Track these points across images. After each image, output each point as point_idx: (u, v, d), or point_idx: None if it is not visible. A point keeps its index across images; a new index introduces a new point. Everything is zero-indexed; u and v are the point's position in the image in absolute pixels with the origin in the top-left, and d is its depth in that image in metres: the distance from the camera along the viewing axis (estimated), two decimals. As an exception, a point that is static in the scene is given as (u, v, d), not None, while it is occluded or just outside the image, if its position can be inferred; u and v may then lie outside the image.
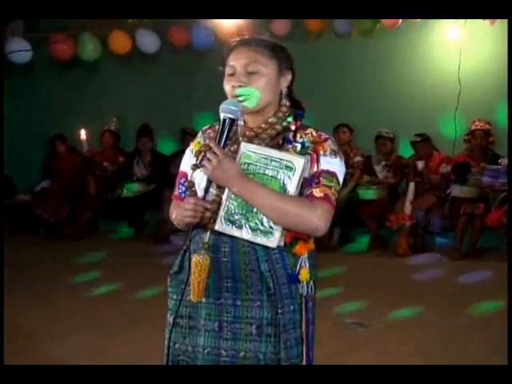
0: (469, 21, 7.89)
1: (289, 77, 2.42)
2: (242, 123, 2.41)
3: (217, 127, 2.40)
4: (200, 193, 2.35)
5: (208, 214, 2.32)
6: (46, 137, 9.75)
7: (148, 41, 8.72)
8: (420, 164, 8.09)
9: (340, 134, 8.61)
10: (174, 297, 2.45)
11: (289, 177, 2.27)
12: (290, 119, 2.40)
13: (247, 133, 2.38)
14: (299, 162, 2.27)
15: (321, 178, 2.31)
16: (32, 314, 5.59)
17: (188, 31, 8.63)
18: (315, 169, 2.32)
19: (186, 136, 8.54)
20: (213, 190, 2.33)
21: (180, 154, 2.67)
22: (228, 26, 8.10)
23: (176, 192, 2.52)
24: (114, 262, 7.53)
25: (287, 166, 2.27)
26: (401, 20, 7.87)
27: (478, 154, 7.90)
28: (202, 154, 2.36)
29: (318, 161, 2.33)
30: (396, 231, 7.86)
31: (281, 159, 2.28)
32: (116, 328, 5.25)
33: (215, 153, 2.28)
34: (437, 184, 8.05)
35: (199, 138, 2.51)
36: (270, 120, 2.38)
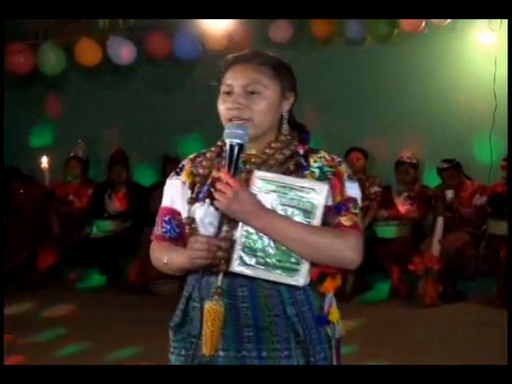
0: (505, 22, 7.88)
1: (291, 99, 2.52)
2: None
3: (208, 155, 2.50)
4: (204, 229, 2.41)
5: (220, 254, 2.36)
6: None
7: (121, 50, 8.76)
8: (449, 195, 8.09)
9: (353, 160, 8.60)
10: (183, 352, 2.49)
11: (312, 206, 2.36)
12: (295, 143, 2.49)
13: (252, 159, 2.45)
14: (323, 189, 2.37)
15: (349, 205, 2.42)
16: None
17: (169, 39, 8.69)
18: (339, 195, 2.42)
19: (169, 164, 8.55)
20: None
21: (161, 185, 2.71)
22: (217, 31, 8.13)
23: (158, 232, 2.57)
24: (83, 316, 7.48)
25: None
26: (423, 23, 7.92)
27: (519, 183, 7.92)
28: (206, 185, 2.44)
29: (343, 186, 2.43)
30: (422, 276, 7.84)
31: (302, 187, 2.37)
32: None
33: (228, 183, 2.33)
34: (470, 219, 8.06)
35: (189, 167, 2.55)
36: (273, 145, 2.46)
